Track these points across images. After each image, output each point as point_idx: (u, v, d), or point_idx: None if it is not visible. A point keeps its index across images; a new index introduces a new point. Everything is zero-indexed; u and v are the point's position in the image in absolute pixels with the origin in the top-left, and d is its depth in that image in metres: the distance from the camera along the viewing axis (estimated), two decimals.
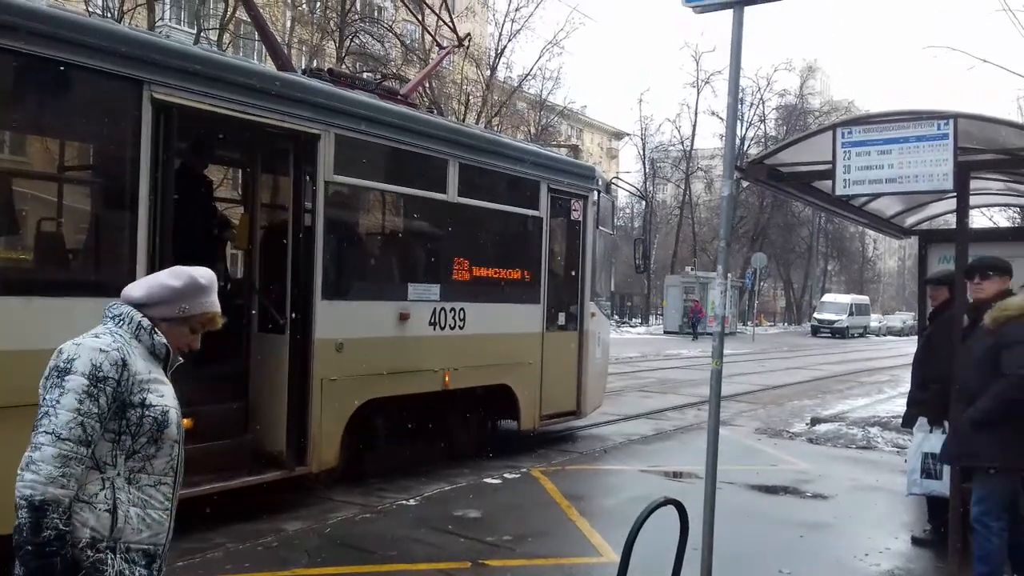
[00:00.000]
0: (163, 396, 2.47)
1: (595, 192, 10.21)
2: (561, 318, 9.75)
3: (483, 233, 8.80)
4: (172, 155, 5.83)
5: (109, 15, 21.29)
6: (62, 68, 5.17)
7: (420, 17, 15.35)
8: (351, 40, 29.99)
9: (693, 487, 7.25)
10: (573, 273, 10.01)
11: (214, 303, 2.59)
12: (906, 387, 11.41)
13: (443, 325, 8.07)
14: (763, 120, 60.06)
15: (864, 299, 61.25)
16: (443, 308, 8.05)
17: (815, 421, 12.30)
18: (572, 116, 56.38)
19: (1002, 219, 23.99)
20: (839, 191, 5.35)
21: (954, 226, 6.23)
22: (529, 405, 9.20)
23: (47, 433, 2.27)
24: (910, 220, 8.64)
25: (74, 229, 5.99)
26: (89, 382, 2.32)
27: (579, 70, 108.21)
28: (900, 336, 60.69)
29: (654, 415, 13.17)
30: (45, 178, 6.07)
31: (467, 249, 8.46)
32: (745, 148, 58.49)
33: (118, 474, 2.38)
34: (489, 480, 7.91)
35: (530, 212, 9.23)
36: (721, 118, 58.34)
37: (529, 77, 41.13)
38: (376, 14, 33.46)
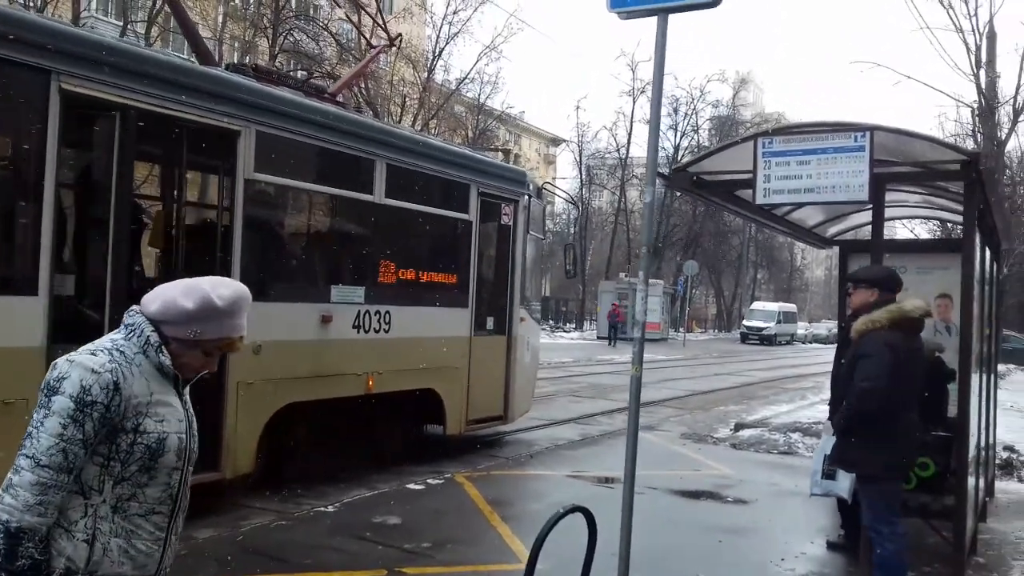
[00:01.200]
0: (163, 421, 2.27)
1: (526, 196, 10.18)
2: (490, 322, 9.68)
3: (410, 236, 8.68)
4: (81, 149, 5.60)
5: (31, 4, 20.50)
6: None
7: (356, 18, 15.14)
8: (284, 37, 29.50)
9: (616, 492, 6.94)
10: (503, 277, 9.96)
11: (235, 327, 2.31)
12: (824, 393, 11.53)
13: (367, 328, 7.93)
14: (696, 130, 60.93)
15: (791, 307, 62.72)
16: (367, 311, 7.91)
17: (739, 427, 12.54)
18: (510, 121, 56.37)
19: (923, 231, 24.86)
20: (759, 199, 5.42)
21: None
22: (455, 409, 9.10)
23: (27, 457, 2.13)
24: (832, 230, 8.80)
25: None
26: (75, 406, 2.14)
27: (518, 76, 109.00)
28: (825, 344, 62.26)
29: (583, 420, 13.20)
30: None
31: (393, 252, 8.34)
32: (679, 157, 59.42)
33: (103, 501, 2.22)
34: (412, 486, 7.77)
35: (459, 215, 9.15)
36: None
37: (467, 80, 41.07)
38: (312, 12, 32.97)
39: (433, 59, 38.07)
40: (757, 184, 5.37)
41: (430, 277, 8.81)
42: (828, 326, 69.43)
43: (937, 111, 55.99)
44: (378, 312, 8.03)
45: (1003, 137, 23.15)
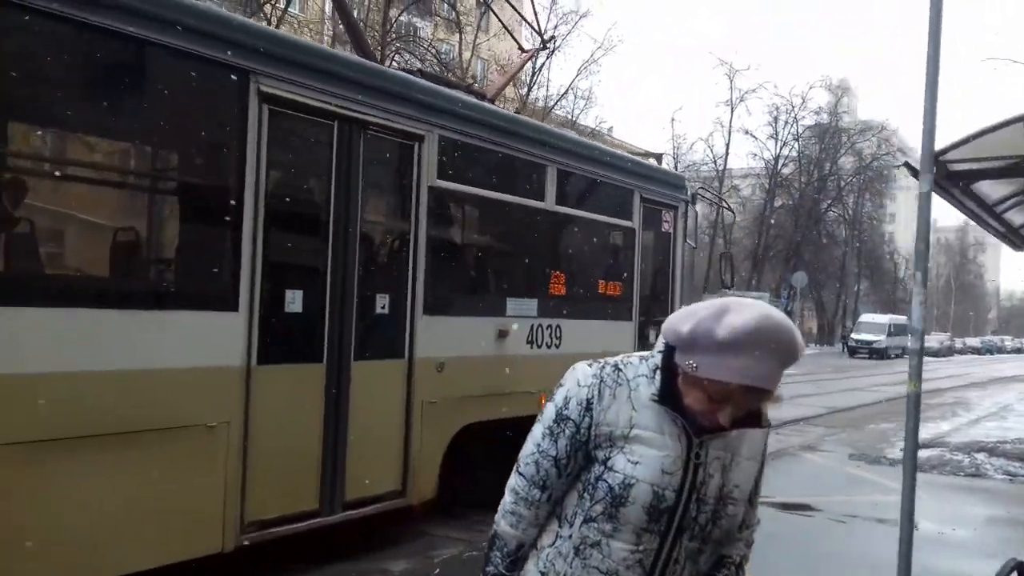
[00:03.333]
0: (639, 463, 1.85)
1: (684, 203, 9.58)
2: (651, 335, 9.08)
3: (578, 245, 8.20)
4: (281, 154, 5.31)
5: None
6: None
7: (500, 18, 14.82)
8: (391, 60, 29.64)
9: (809, 519, 7.36)
10: (664, 288, 9.37)
11: (735, 370, 1.69)
12: (977, 410, 10.73)
13: (540, 343, 7.46)
14: (797, 139, 59.04)
15: (902, 319, 59.64)
16: (540, 325, 7.44)
17: None
18: (600, 137, 55.79)
19: None
20: None
21: None
22: None
23: (518, 459, 2.04)
24: None
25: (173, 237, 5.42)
26: (555, 417, 1.97)
27: (609, 90, 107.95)
28: (937, 357, 59.64)
29: None
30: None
31: (563, 262, 7.86)
32: (779, 167, 57.74)
33: (570, 537, 1.95)
34: None
35: (623, 223, 8.60)
36: (755, 136, 57.87)
37: (562, 97, 40.64)
38: (413, 33, 33.11)
39: (533, 75, 37.82)
40: None
41: (597, 289, 8.29)
42: (939, 338, 66.66)
43: None
44: (550, 326, 7.55)
45: None
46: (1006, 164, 5.14)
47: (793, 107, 57.46)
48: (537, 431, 2.01)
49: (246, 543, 5.10)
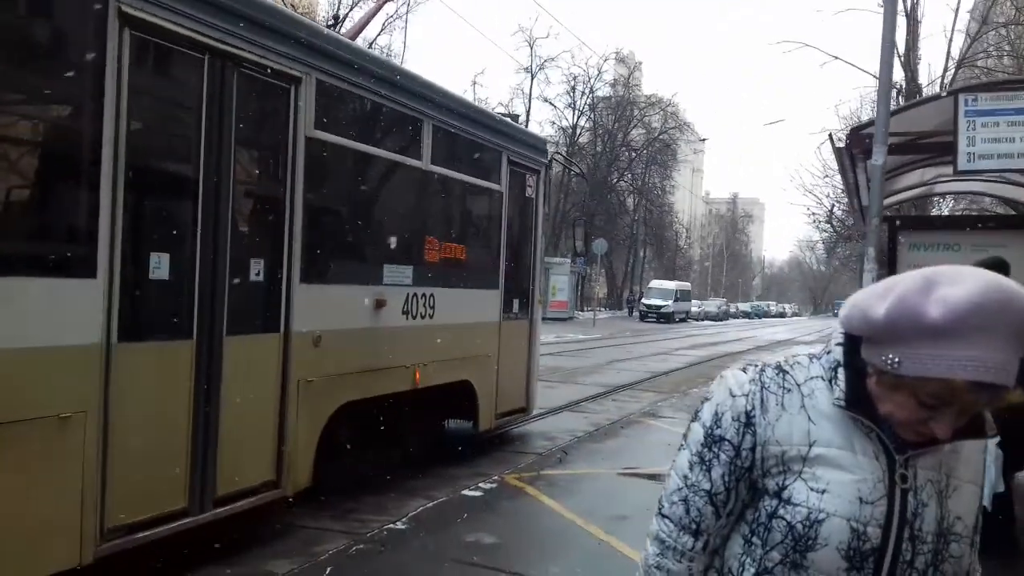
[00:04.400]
0: (826, 492, 1.39)
1: (544, 167, 9.31)
2: (515, 305, 8.79)
3: (449, 208, 7.72)
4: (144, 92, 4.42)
5: None
6: None
7: None
8: None
9: None
10: (526, 255, 9.09)
11: (969, 362, 1.23)
12: None
13: (414, 314, 6.92)
14: (593, 109, 60.82)
15: (687, 285, 63.93)
16: (415, 294, 6.90)
17: None
18: None
19: None
20: (963, 166, 4.79)
21: None
22: (487, 403, 8.19)
23: (660, 499, 1.62)
24: None
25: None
26: (704, 440, 1.54)
27: (413, 50, 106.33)
28: (717, 320, 64.26)
29: (574, 407, 12.44)
30: None
31: (436, 227, 7.35)
32: (577, 136, 59.30)
33: None
34: (468, 492, 6.95)
35: (492, 186, 8.21)
36: (554, 105, 59.01)
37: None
38: None
39: (335, 25, 36.20)
40: (959, 148, 4.72)
41: (467, 256, 7.84)
42: (717, 303, 71.95)
43: (857, 93, 57.95)
44: (424, 295, 7.03)
45: None
46: (903, 140, 5.31)
47: (590, 78, 59.17)
48: (682, 460, 1.58)
49: (107, 553, 4.28)
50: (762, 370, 1.55)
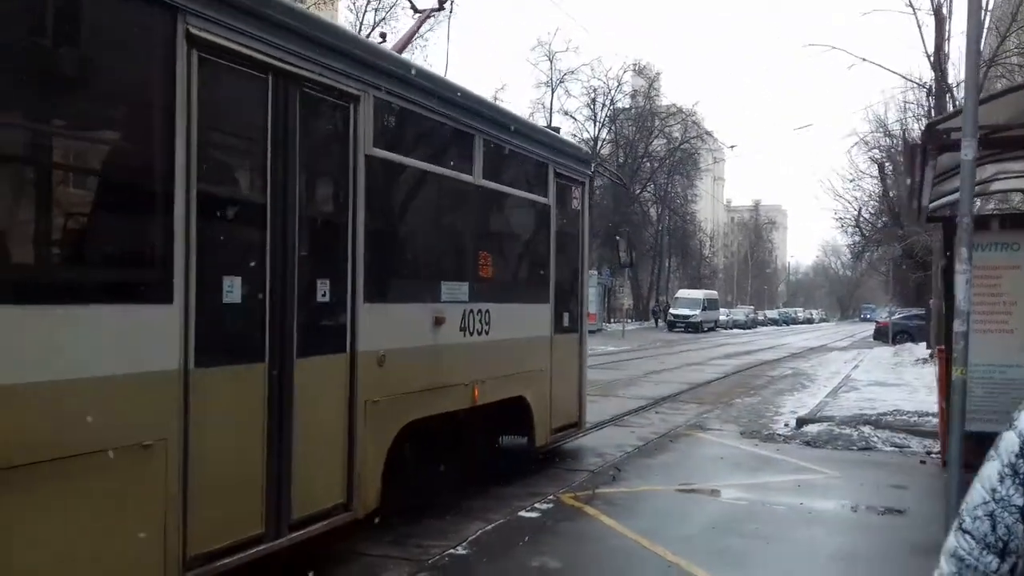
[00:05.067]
0: None
1: (589, 178, 9.26)
2: (565, 319, 8.73)
3: (501, 223, 7.72)
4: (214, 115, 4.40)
5: None
6: None
7: None
8: None
9: (749, 505, 7.32)
10: (574, 268, 9.02)
11: None
12: (821, 382, 11.16)
13: (471, 330, 6.87)
14: (614, 120, 60.75)
15: (714, 294, 63.54)
16: (471, 310, 6.85)
17: (801, 422, 11.87)
18: None
19: None
20: None
21: None
22: (542, 418, 8.11)
23: (960, 513, 1.51)
24: None
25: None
26: (1020, 450, 1.43)
27: (433, 66, 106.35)
28: (745, 328, 63.79)
29: (619, 422, 12.33)
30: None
31: (489, 241, 7.33)
32: (599, 148, 59.23)
33: None
34: (525, 514, 6.85)
35: (540, 199, 8.16)
36: (574, 118, 58.96)
37: None
38: None
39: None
40: None
41: (518, 270, 7.83)
42: (745, 311, 71.52)
43: (886, 95, 57.87)
44: (480, 311, 6.97)
45: None
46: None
47: (609, 89, 59.13)
48: (991, 471, 1.47)
49: None
50: None
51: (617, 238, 11.16)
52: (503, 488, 7.71)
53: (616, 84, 59.56)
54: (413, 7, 8.25)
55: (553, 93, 58.14)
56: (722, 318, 62.44)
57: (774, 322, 79.43)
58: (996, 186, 10.11)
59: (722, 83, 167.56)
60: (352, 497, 5.44)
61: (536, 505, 7.07)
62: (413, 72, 6.04)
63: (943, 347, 8.82)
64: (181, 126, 4.17)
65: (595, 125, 59.69)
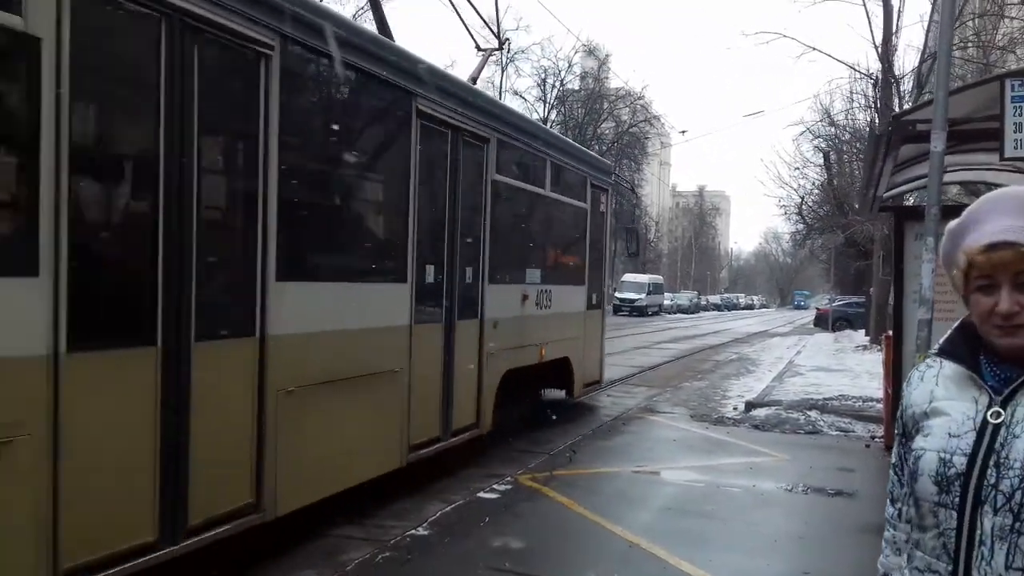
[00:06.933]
0: (929, 435, 1.75)
1: (611, 186, 12.16)
2: (594, 298, 11.69)
3: (558, 224, 10.56)
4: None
5: None
6: None
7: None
8: None
9: (706, 486, 7.90)
10: (600, 258, 11.99)
11: (988, 233, 1.68)
12: (766, 367, 14.02)
13: (541, 305, 9.70)
14: (563, 102, 62.82)
15: (659, 279, 66.04)
16: (541, 290, 9.71)
17: (749, 406, 12.92)
18: None
19: None
20: (1009, 152, 5.28)
21: None
22: (579, 376, 11.05)
23: None
24: None
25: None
26: (898, 416, 1.89)
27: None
28: (688, 313, 66.51)
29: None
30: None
31: (552, 237, 10.27)
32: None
33: (907, 542, 1.87)
34: (484, 495, 7.34)
35: (580, 204, 11.05)
36: (524, 98, 60.87)
37: None
38: None
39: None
40: (1006, 134, 5.12)
41: (567, 260, 10.68)
42: (688, 296, 74.43)
43: (832, 85, 59.44)
44: (545, 291, 9.84)
45: (905, 107, 20.72)
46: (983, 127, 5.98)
47: (560, 71, 61.21)
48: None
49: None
50: (927, 358, 1.87)
51: (627, 231, 13.82)
52: (460, 470, 8.23)
53: (567, 65, 61.70)
54: (477, 46, 10.81)
55: (503, 72, 60.14)
56: (666, 303, 64.80)
57: (716, 307, 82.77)
58: (948, 177, 10.25)
59: (671, 68, 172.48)
60: (480, 419, 8.24)
61: (495, 486, 7.54)
62: (521, 120, 8.90)
63: (890, 333, 9.61)
64: (414, 177, 6.87)
65: (545, 106, 61.96)
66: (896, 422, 1.89)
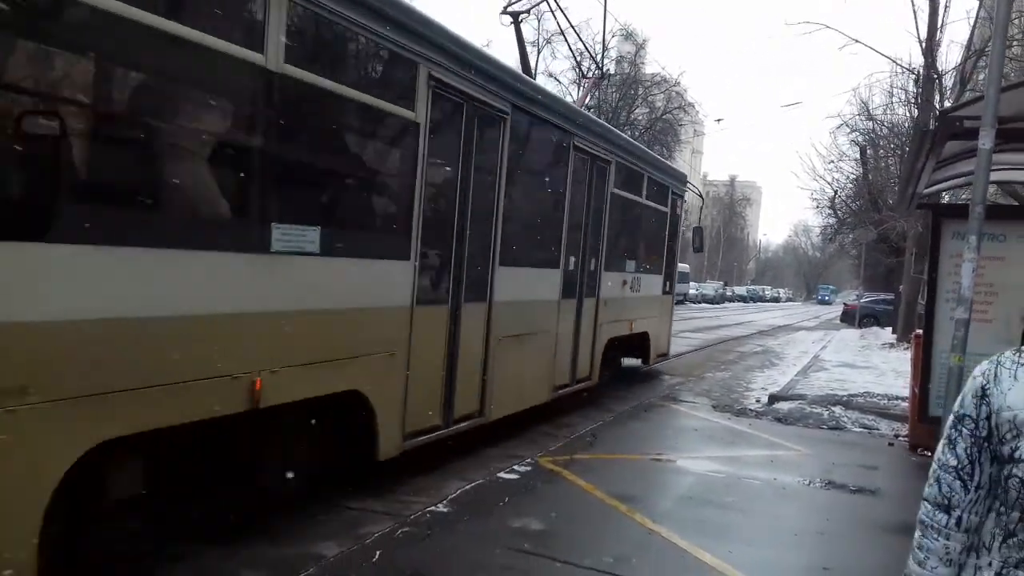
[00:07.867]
0: None
1: (684, 192, 14.58)
2: (667, 285, 14.64)
3: (648, 223, 13.40)
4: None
5: None
6: None
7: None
8: None
9: (731, 471, 8.06)
10: (675, 253, 14.91)
11: None
12: (790, 360, 14.96)
13: (633, 288, 12.48)
14: (597, 86, 63.16)
15: (685, 267, 66.43)
16: (634, 277, 12.53)
17: (773, 399, 12.99)
18: None
19: None
20: None
21: None
22: (654, 347, 13.95)
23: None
24: None
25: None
26: (952, 421, 1.85)
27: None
28: (714, 304, 67.81)
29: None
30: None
31: (644, 235, 13.15)
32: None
33: (990, 564, 1.77)
34: (504, 475, 7.47)
35: (663, 208, 13.96)
36: (559, 80, 61.87)
37: None
38: None
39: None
40: None
41: (652, 253, 13.60)
42: (714, 286, 75.56)
43: (871, 79, 60.58)
44: (636, 278, 12.68)
45: (947, 104, 21.64)
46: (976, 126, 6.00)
47: (596, 53, 61.93)
48: (938, 446, 1.89)
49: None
50: (1001, 353, 1.87)
51: (695, 230, 16.19)
52: (482, 449, 8.48)
53: (603, 49, 62.57)
54: (582, 74, 13.21)
55: (539, 54, 60.74)
56: (691, 292, 65.58)
57: (742, 299, 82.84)
58: (993, 176, 8.91)
59: (709, 55, 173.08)
60: (592, 373, 11.08)
61: (515, 467, 7.67)
62: (629, 144, 11.77)
63: (920, 332, 9.67)
64: (502, 176, 9.27)
65: (579, 89, 62.68)
66: (962, 421, 1.83)
